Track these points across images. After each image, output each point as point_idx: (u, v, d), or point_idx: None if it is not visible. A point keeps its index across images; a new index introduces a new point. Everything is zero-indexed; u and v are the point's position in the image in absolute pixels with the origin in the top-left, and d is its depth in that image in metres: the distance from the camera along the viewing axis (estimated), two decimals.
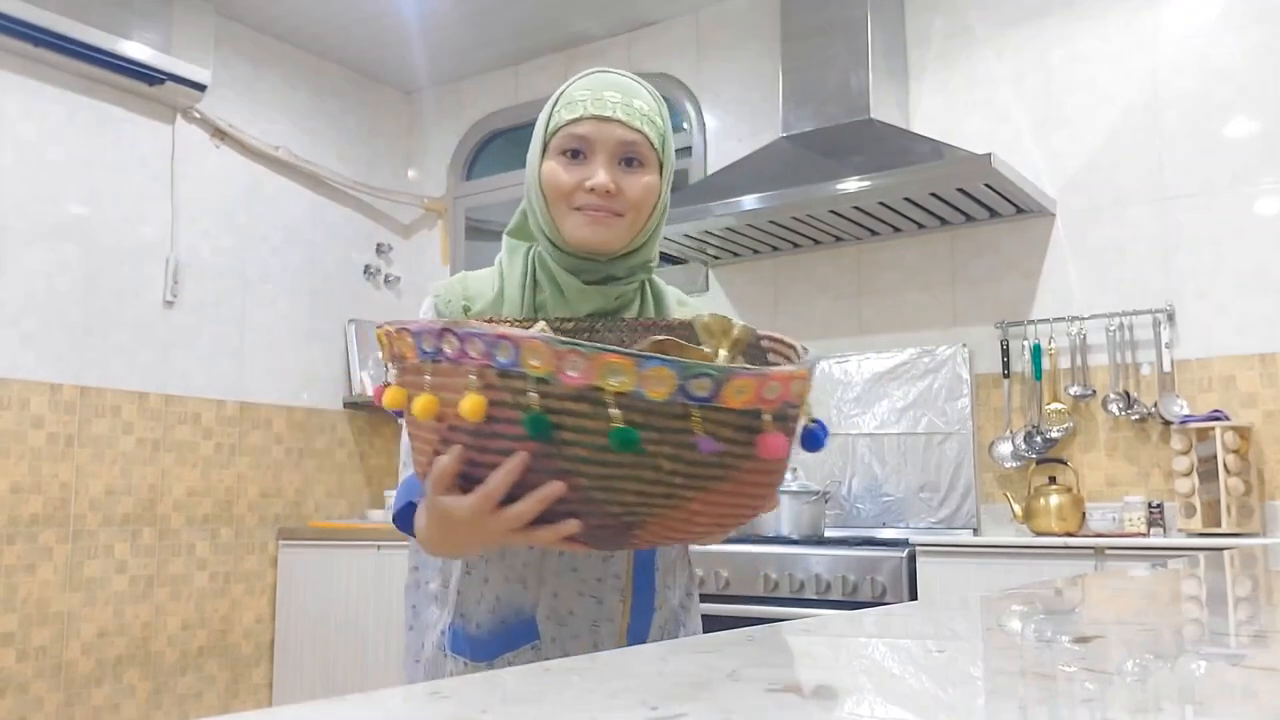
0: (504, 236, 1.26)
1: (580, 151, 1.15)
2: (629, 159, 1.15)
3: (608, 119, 1.14)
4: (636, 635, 1.17)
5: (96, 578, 3.62)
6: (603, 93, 1.16)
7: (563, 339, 0.79)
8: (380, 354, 0.95)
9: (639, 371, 0.77)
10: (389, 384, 0.93)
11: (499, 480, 0.84)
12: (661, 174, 1.19)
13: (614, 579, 1.15)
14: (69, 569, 3.55)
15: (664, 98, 1.18)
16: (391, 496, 1.32)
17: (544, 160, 1.17)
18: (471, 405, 0.81)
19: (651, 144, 1.17)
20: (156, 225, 3.91)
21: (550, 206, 1.16)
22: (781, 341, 1.03)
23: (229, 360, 4.09)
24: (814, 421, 0.92)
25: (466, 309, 1.18)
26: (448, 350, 0.83)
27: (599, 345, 0.78)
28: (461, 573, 1.17)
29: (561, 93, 1.19)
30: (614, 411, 0.78)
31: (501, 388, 0.81)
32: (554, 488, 0.83)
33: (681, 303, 1.30)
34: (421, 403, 0.85)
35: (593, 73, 1.20)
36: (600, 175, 1.13)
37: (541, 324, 1.05)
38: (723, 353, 1.00)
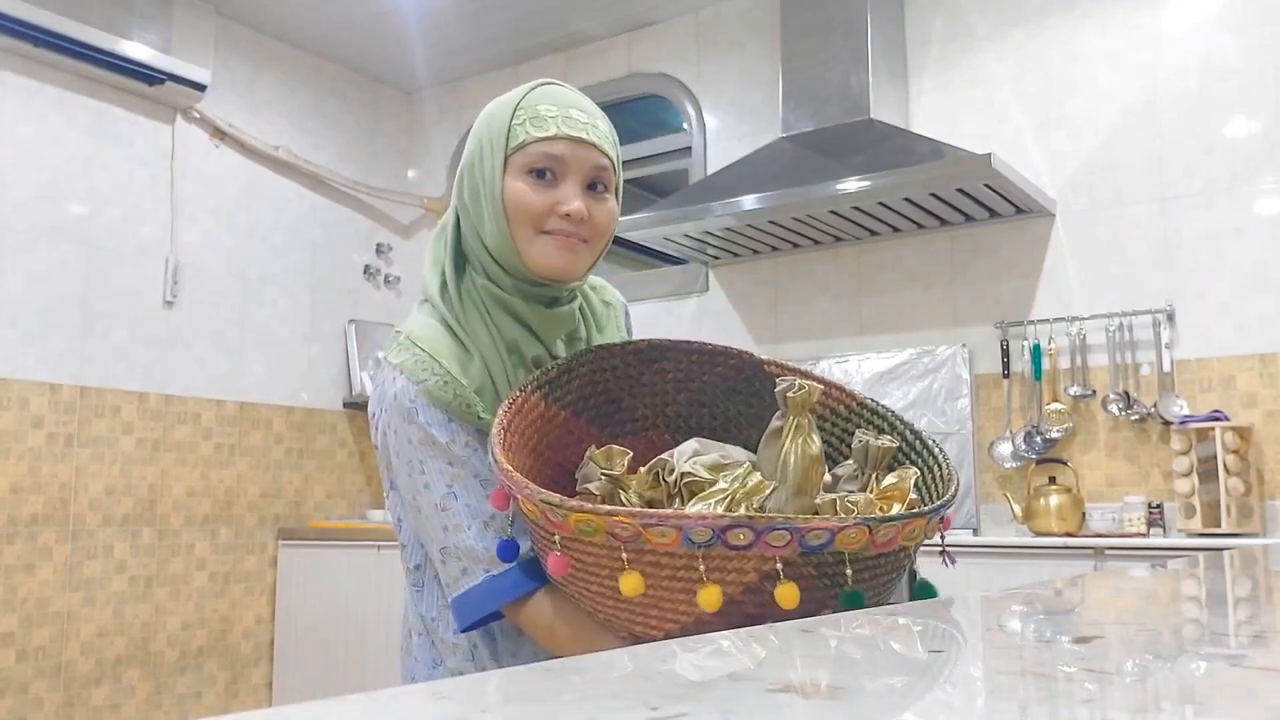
0: (433, 285, 1.15)
1: (549, 172, 1.08)
2: (594, 184, 1.10)
3: (581, 141, 1.08)
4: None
5: (96, 578, 3.62)
6: (569, 111, 1.10)
7: (875, 516, 0.85)
8: (570, 528, 0.85)
9: (927, 525, 0.90)
10: (624, 568, 0.86)
11: None
12: (617, 199, 1.16)
13: None
14: (69, 569, 3.55)
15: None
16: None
17: (505, 178, 1.09)
18: (789, 594, 0.82)
19: (614, 169, 1.13)
20: (156, 225, 3.91)
21: (514, 228, 1.08)
22: (839, 391, 1.14)
23: (229, 360, 4.09)
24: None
25: (467, 388, 1.07)
26: (737, 543, 0.81)
27: (902, 515, 0.86)
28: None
29: (519, 104, 1.10)
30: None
31: (803, 565, 0.83)
32: None
33: (595, 288, 1.27)
34: (711, 595, 0.83)
35: (546, 84, 1.14)
36: (576, 201, 1.07)
37: (694, 444, 1.03)
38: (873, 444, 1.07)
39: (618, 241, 3.65)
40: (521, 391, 1.04)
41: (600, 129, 1.11)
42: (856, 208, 3.26)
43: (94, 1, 3.66)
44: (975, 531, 3.33)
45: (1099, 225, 3.31)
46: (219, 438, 4.03)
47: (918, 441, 1.06)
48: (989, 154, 2.94)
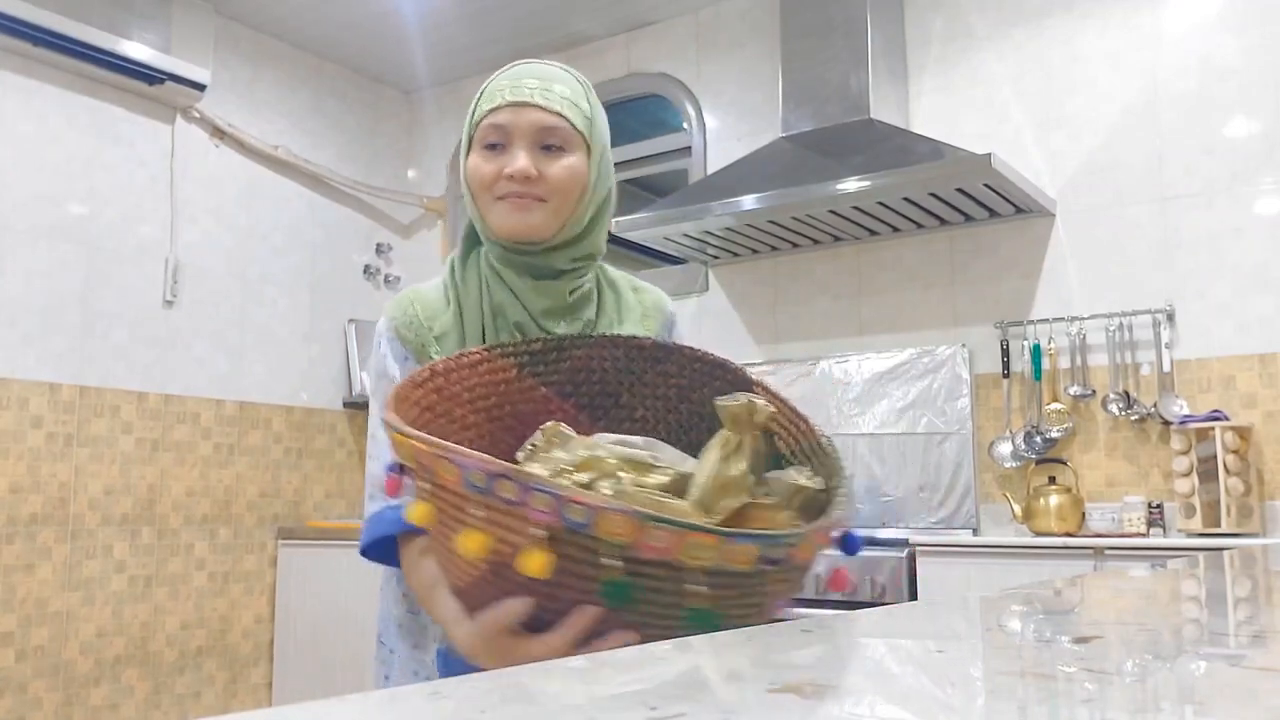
0: (453, 251, 1.24)
1: (499, 144, 1.14)
2: (549, 145, 1.14)
3: (524, 104, 1.13)
4: None
5: (95, 577, 3.62)
6: (521, 80, 1.15)
7: (647, 512, 0.74)
8: (395, 451, 0.86)
9: (723, 547, 0.75)
10: (418, 499, 0.85)
11: (573, 635, 0.79)
12: (590, 157, 1.16)
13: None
14: (68, 569, 3.55)
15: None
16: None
17: (469, 156, 1.16)
18: (539, 563, 0.76)
19: (575, 127, 1.14)
20: (156, 225, 3.91)
21: (477, 200, 1.16)
22: (792, 413, 1.04)
23: (228, 360, 4.09)
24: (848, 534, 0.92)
25: (429, 330, 1.15)
26: (505, 495, 0.77)
27: (684, 523, 0.75)
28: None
29: (484, 89, 1.17)
30: (691, 589, 0.76)
31: (569, 543, 0.76)
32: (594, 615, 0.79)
33: (636, 289, 1.29)
34: (474, 541, 0.78)
35: (514, 65, 1.19)
36: (519, 159, 1.11)
37: (594, 439, 0.97)
38: (794, 478, 0.95)
39: (617, 241, 3.63)
40: (487, 352, 1.04)
41: (554, 91, 1.14)
42: (856, 208, 3.26)
43: (94, 1, 3.66)
44: (975, 531, 3.33)
45: (1099, 225, 3.31)
46: (218, 437, 4.03)
47: (835, 482, 0.97)
48: (989, 154, 2.94)
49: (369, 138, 4.76)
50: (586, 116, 1.16)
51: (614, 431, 1.08)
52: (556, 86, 1.15)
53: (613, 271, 1.29)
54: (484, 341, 1.13)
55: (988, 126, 3.51)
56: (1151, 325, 3.18)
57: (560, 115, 1.13)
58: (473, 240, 1.21)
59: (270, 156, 4.29)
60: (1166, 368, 3.14)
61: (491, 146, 1.14)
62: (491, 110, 1.13)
